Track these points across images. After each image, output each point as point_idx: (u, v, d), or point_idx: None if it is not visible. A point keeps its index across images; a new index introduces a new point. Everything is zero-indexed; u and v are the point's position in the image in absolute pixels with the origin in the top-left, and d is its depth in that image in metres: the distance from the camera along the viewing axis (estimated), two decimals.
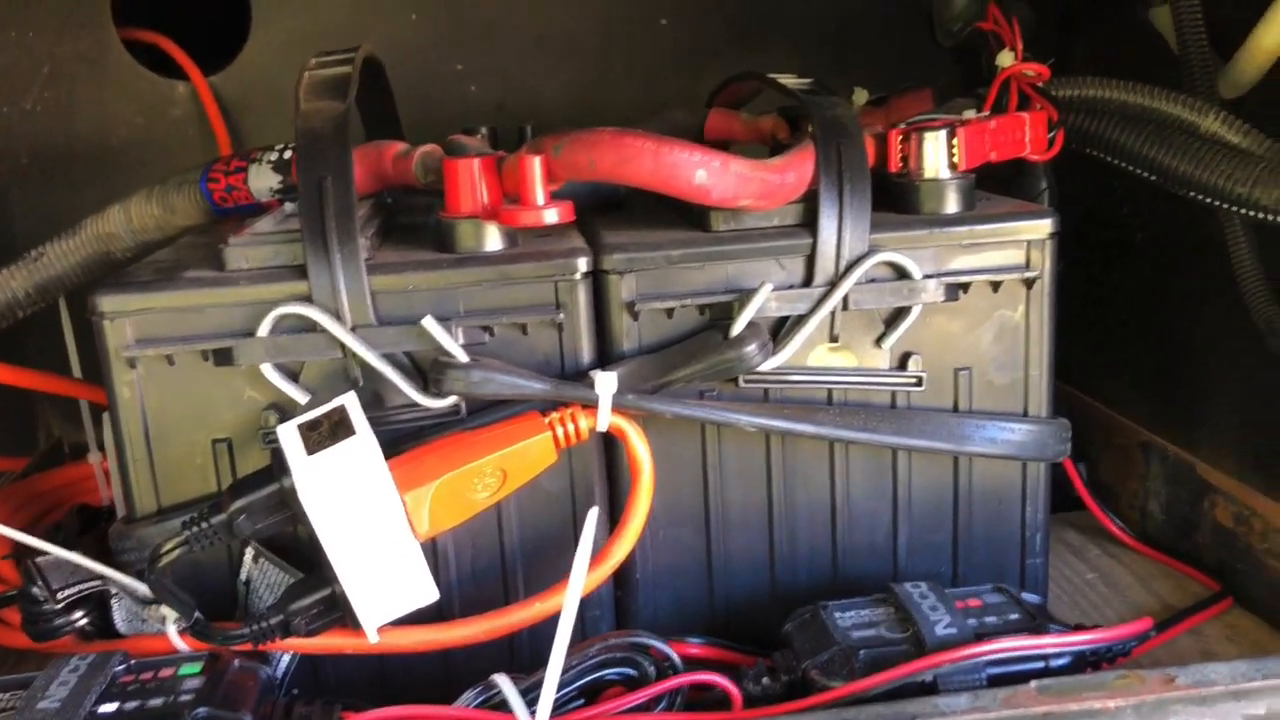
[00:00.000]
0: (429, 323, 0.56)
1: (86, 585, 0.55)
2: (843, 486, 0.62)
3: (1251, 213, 0.63)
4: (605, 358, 0.59)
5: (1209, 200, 0.65)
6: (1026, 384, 0.62)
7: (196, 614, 0.54)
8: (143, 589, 0.56)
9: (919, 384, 0.61)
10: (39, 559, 0.57)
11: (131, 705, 0.51)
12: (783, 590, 0.63)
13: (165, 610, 0.55)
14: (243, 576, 0.58)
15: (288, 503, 0.51)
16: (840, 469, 0.62)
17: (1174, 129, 0.68)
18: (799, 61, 1.05)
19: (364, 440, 0.51)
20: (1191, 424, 0.76)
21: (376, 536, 0.52)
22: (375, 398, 0.57)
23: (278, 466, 0.51)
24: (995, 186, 0.68)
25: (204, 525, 0.51)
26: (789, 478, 0.62)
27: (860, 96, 0.81)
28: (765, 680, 0.55)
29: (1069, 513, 0.79)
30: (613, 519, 0.61)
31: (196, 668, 0.54)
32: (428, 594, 0.55)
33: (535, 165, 0.55)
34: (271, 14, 1.04)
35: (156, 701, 0.52)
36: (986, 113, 0.67)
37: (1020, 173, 0.72)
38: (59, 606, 0.57)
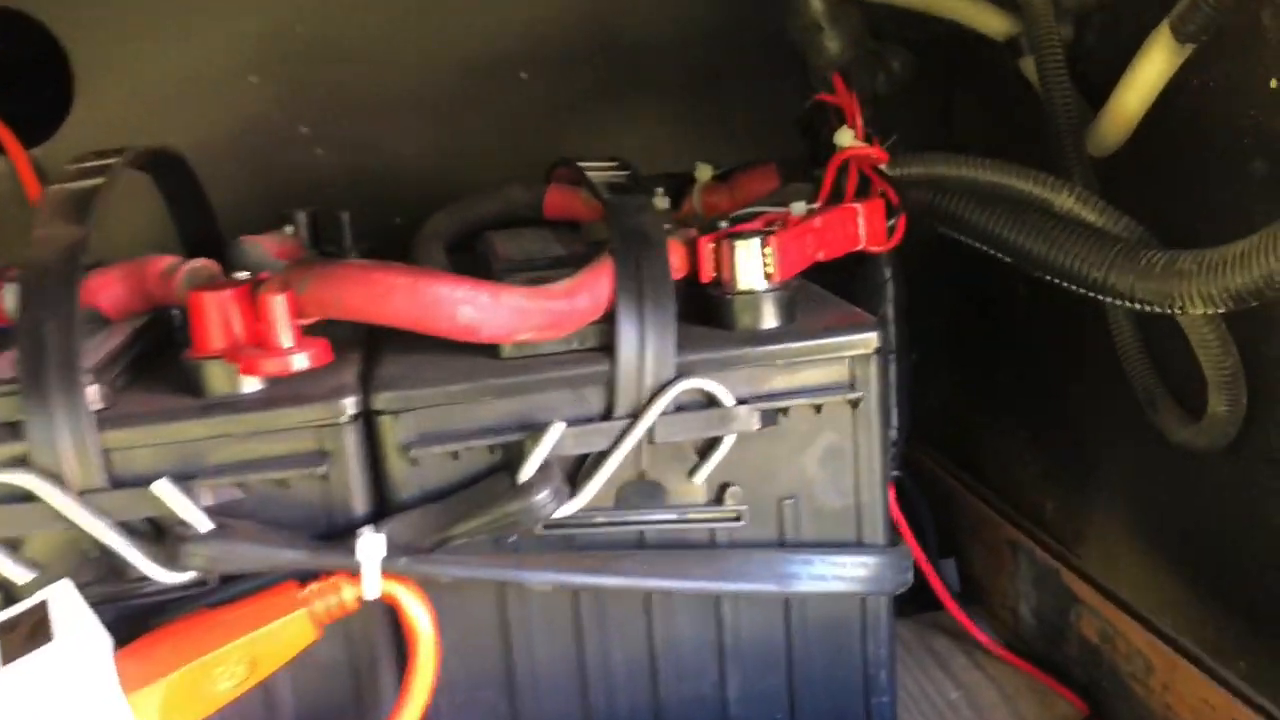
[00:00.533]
0: (162, 487, 0.48)
1: None
2: (663, 635, 0.56)
3: (1108, 298, 0.58)
4: (384, 508, 0.53)
5: (1066, 284, 0.59)
6: (859, 510, 0.56)
7: None
8: None
9: (738, 519, 0.54)
10: None
11: None
12: None
13: None
14: None
15: None
16: (660, 618, 0.56)
17: (1029, 206, 0.63)
18: (666, 111, 0.99)
19: (64, 645, 0.43)
20: (1061, 522, 0.70)
21: None
22: (113, 570, 0.50)
23: None
24: (838, 271, 0.62)
25: None
26: (602, 631, 0.55)
27: (704, 173, 0.75)
28: None
29: (938, 612, 0.73)
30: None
31: None
32: None
33: (278, 305, 0.49)
34: (96, 80, 0.96)
35: None
36: (816, 206, 0.61)
37: (860, 261, 0.66)
38: None
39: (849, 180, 0.64)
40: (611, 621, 0.55)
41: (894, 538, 0.57)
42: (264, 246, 0.66)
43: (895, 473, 0.64)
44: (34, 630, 0.44)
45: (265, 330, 0.49)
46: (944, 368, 0.86)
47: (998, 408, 0.81)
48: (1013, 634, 0.73)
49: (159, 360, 0.58)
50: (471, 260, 0.66)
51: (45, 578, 0.49)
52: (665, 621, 0.56)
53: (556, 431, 0.51)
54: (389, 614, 0.53)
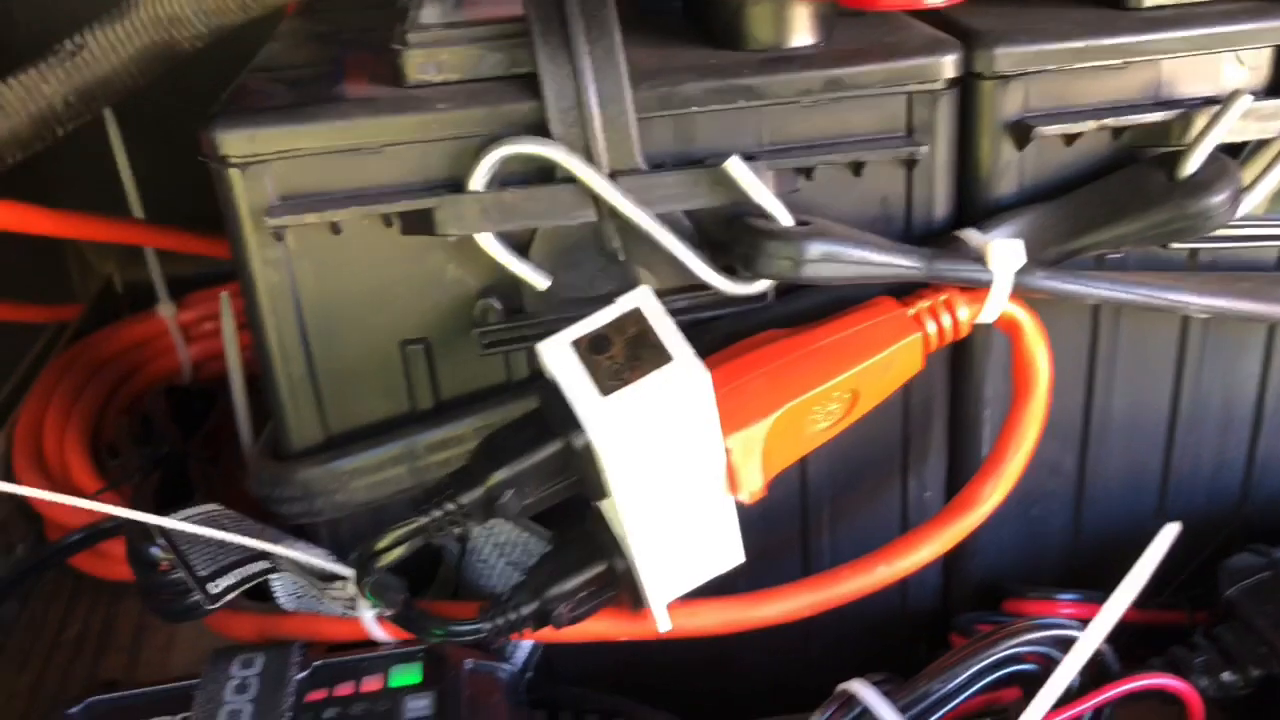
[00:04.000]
0: (736, 166, 0.36)
1: (245, 570, 0.38)
2: (1278, 380, 0.44)
3: None
4: (970, 211, 0.40)
5: None
6: None
7: (405, 596, 0.38)
8: (320, 561, 0.39)
9: None
10: (189, 513, 0.40)
11: None
12: (1171, 519, 0.46)
13: (352, 589, 0.39)
14: (455, 531, 0.40)
15: (573, 467, 0.33)
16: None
17: None
18: None
19: (686, 366, 0.32)
20: None
21: (687, 497, 0.35)
22: (634, 281, 0.38)
23: (553, 414, 0.33)
24: None
25: (449, 507, 0.33)
26: (1204, 371, 0.44)
27: None
28: (1226, 676, 0.39)
29: None
30: (955, 438, 0.43)
31: (414, 673, 0.38)
32: (732, 558, 0.38)
33: None
34: None
35: None
36: None
37: None
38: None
39: None
40: (1219, 360, 0.44)
41: None
42: None
43: None
44: (636, 347, 0.32)
45: None
46: None
47: None
48: None
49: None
50: None
51: (562, 285, 0.38)
52: None
53: (1242, 105, 0.37)
54: (951, 351, 0.42)
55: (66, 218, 0.55)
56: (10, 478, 0.55)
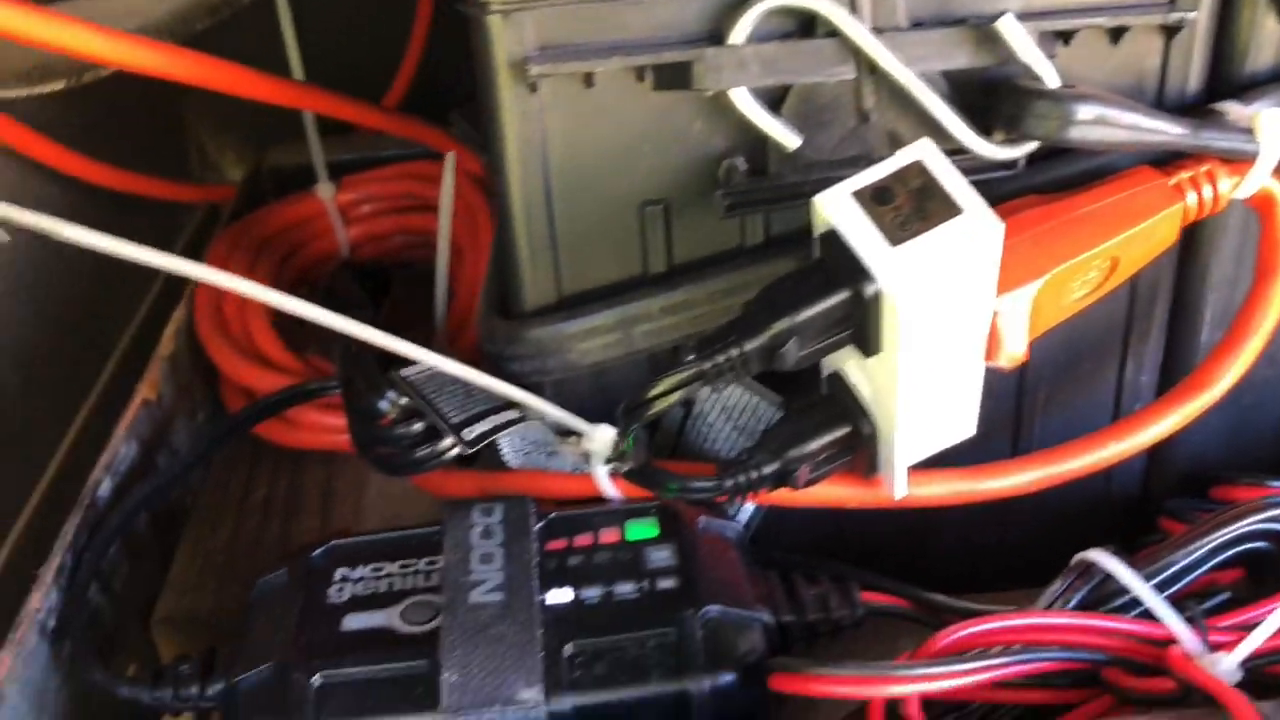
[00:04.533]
0: (1008, 24, 0.35)
1: (498, 418, 0.38)
2: None
3: None
4: (1223, 85, 0.39)
5: None
6: None
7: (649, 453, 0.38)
8: (563, 413, 0.39)
9: None
10: (409, 372, 0.40)
11: (592, 594, 0.36)
12: None
13: (590, 443, 0.39)
14: (729, 377, 0.41)
15: (854, 319, 0.33)
16: None
17: None
18: None
19: (979, 218, 0.32)
20: None
21: (952, 359, 0.34)
22: (882, 144, 0.38)
23: (839, 265, 0.32)
24: None
25: (732, 353, 0.33)
26: None
27: None
28: None
29: None
30: (1174, 322, 0.43)
31: (650, 527, 0.39)
32: (966, 429, 0.38)
33: None
34: None
35: (627, 588, 0.36)
36: None
37: None
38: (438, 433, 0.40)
39: None
40: None
41: None
42: None
43: None
44: (922, 198, 0.32)
45: None
46: None
47: None
48: None
49: None
50: None
51: (815, 147, 0.37)
52: None
53: None
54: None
55: (234, 70, 0.54)
56: (195, 345, 0.56)
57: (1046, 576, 0.39)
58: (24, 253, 0.57)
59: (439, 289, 0.50)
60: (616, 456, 0.39)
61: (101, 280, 0.62)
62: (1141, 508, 0.47)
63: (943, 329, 0.33)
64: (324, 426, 0.54)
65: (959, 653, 0.34)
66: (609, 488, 0.40)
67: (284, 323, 0.58)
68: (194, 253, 0.65)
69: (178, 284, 0.61)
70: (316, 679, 0.34)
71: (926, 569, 0.47)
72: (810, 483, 0.38)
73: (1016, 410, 0.44)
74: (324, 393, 0.50)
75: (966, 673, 0.32)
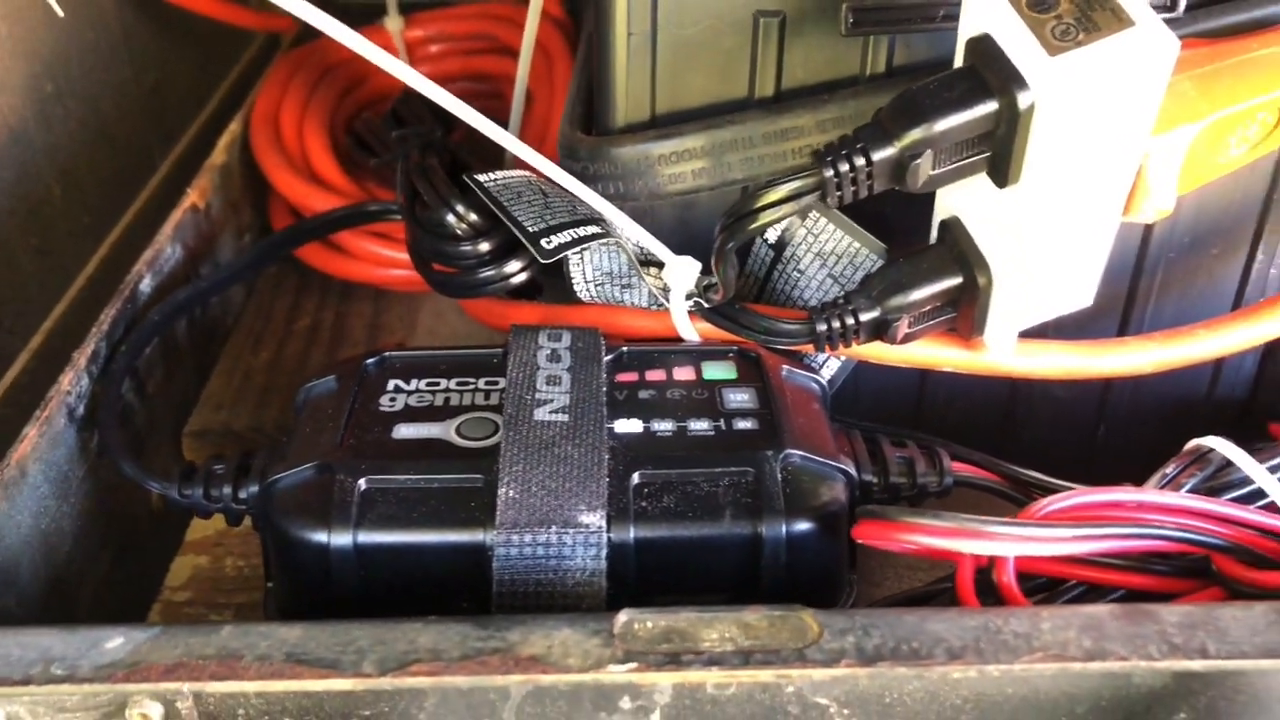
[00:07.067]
0: None
1: (577, 230, 0.35)
2: None
3: None
4: None
5: None
6: None
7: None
8: (648, 238, 0.36)
9: None
10: (481, 177, 0.37)
11: (664, 427, 0.33)
12: None
13: (671, 275, 0.36)
14: (771, 237, 0.37)
15: (995, 138, 0.29)
16: None
17: None
18: None
19: (1153, 32, 0.28)
20: None
21: (1090, 201, 0.31)
22: None
23: (991, 72, 0.29)
24: None
25: (859, 162, 0.30)
26: None
27: None
28: None
29: None
30: None
31: (728, 370, 0.36)
32: (1083, 298, 0.35)
33: None
34: None
35: (701, 426, 0.33)
36: None
37: None
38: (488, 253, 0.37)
39: None
40: None
41: None
42: None
43: None
44: (1089, 4, 0.28)
45: None
46: None
47: None
48: None
49: None
50: None
51: None
52: None
53: None
54: None
55: None
56: (249, 161, 0.53)
57: (1135, 477, 0.36)
58: (77, 61, 0.53)
59: (515, 105, 0.47)
60: (699, 292, 0.36)
61: (157, 95, 0.59)
62: (1244, 413, 0.43)
63: (1091, 160, 0.29)
64: (378, 259, 0.51)
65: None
66: (687, 327, 0.37)
67: (341, 154, 0.55)
68: (249, 82, 0.62)
69: (231, 106, 0.58)
70: (362, 483, 0.31)
71: (1009, 458, 0.44)
72: (908, 338, 0.35)
73: (1130, 291, 0.40)
74: (384, 217, 0.47)
75: (1075, 538, 0.29)
